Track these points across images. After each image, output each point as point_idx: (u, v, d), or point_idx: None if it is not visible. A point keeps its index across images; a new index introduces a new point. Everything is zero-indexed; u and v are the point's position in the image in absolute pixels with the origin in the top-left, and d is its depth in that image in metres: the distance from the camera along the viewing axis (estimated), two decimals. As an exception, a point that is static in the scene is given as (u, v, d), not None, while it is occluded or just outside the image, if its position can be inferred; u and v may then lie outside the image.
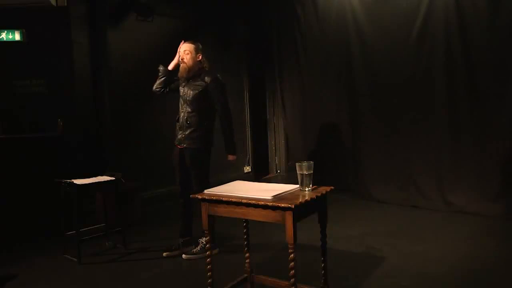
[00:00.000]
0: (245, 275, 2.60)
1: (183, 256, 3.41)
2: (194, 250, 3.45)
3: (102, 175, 3.70)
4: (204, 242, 3.43)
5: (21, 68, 4.53)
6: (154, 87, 3.64)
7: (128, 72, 5.11)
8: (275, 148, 6.82)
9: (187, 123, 3.43)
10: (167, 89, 3.65)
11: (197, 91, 3.41)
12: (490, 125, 4.17)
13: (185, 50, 3.46)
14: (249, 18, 6.63)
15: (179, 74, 3.49)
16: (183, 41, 3.56)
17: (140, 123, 5.23)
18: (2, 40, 4.43)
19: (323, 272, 2.38)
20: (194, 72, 3.46)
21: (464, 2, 4.24)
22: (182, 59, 3.46)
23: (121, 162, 4.82)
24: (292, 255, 2.02)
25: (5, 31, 4.43)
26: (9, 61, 4.48)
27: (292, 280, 2.05)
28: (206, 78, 3.43)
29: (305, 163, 2.17)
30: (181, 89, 3.54)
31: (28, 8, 4.42)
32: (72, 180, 3.41)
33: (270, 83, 6.75)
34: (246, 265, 2.62)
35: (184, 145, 3.45)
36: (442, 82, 4.44)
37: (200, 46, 3.53)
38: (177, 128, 3.52)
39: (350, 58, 5.24)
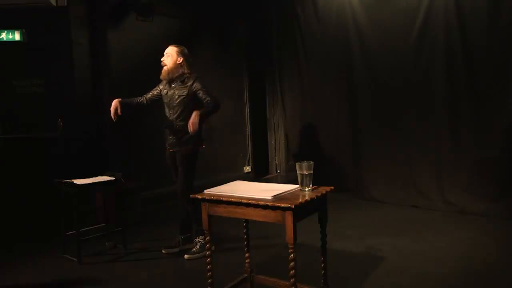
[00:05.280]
0: (245, 275, 2.60)
1: (185, 256, 3.43)
2: (194, 249, 3.47)
3: (102, 175, 3.70)
4: (201, 241, 3.48)
5: (21, 68, 4.52)
6: (139, 107, 3.71)
7: (128, 72, 5.11)
8: (275, 148, 6.82)
9: (176, 127, 3.46)
10: (148, 99, 3.67)
11: (182, 96, 3.44)
12: (490, 125, 4.17)
13: (166, 53, 3.50)
14: (249, 18, 6.63)
15: (161, 77, 3.53)
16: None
17: (140, 123, 5.22)
18: (2, 40, 4.42)
19: (323, 272, 2.38)
20: (175, 75, 3.46)
21: (464, 2, 4.24)
22: (162, 61, 3.49)
23: (121, 162, 4.82)
24: (292, 255, 2.02)
25: (5, 31, 4.42)
26: (9, 61, 4.47)
27: (292, 280, 2.05)
28: (189, 81, 3.44)
29: (305, 163, 2.17)
30: (164, 95, 3.55)
31: (28, 8, 4.42)
32: (72, 180, 3.41)
33: (270, 83, 6.75)
34: (246, 265, 2.62)
35: (177, 149, 3.50)
36: (442, 82, 4.44)
37: (185, 50, 3.52)
38: (167, 132, 3.55)
39: (350, 58, 5.24)
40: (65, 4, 4.47)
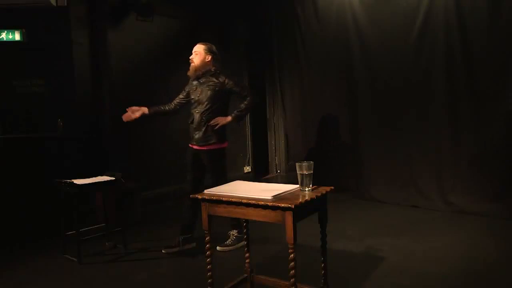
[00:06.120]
0: (245, 275, 2.60)
1: (217, 248, 3.50)
2: (227, 242, 3.57)
3: (102, 175, 3.70)
4: (235, 235, 3.59)
5: (21, 68, 4.52)
6: (167, 114, 3.78)
7: (128, 72, 5.11)
8: (275, 148, 6.82)
9: (202, 121, 3.48)
10: (176, 106, 3.71)
11: (212, 91, 3.49)
12: (490, 125, 4.16)
13: (195, 51, 3.55)
14: (249, 18, 6.63)
15: (188, 73, 3.58)
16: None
17: (140, 123, 5.22)
18: (2, 40, 4.42)
19: (323, 272, 2.38)
20: (202, 72, 3.52)
21: (464, 2, 4.23)
22: (191, 59, 3.55)
23: (121, 162, 4.82)
24: (292, 255, 2.02)
25: (5, 31, 4.42)
26: (9, 61, 4.47)
27: (292, 280, 2.05)
28: (220, 78, 3.51)
29: (305, 163, 2.17)
30: (193, 92, 3.58)
31: (28, 8, 4.42)
32: (72, 180, 3.41)
33: (270, 83, 6.75)
34: (246, 265, 2.62)
35: (202, 145, 3.50)
36: (442, 82, 4.44)
37: (213, 48, 3.58)
38: (192, 128, 3.56)
39: (350, 58, 5.24)
40: (65, 4, 4.47)
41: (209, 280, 2.36)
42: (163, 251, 3.55)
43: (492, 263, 3.04)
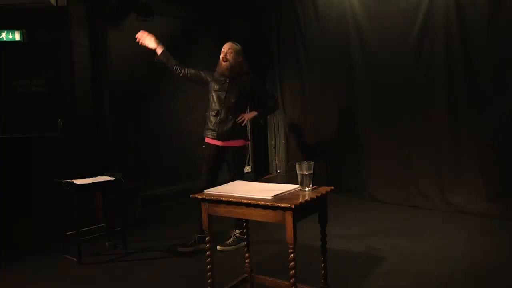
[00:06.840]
0: (245, 275, 2.60)
1: (218, 247, 3.49)
2: (228, 242, 3.56)
3: (102, 175, 3.70)
4: (237, 235, 3.57)
5: (21, 68, 4.52)
6: (172, 69, 3.69)
7: (128, 72, 5.11)
8: (275, 148, 6.82)
9: (230, 117, 3.51)
10: (185, 73, 3.66)
11: (243, 90, 3.56)
12: (490, 125, 4.17)
13: (229, 49, 3.54)
14: (249, 18, 6.62)
15: (220, 71, 3.56)
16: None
17: (140, 123, 5.23)
18: (2, 40, 4.42)
19: (323, 272, 2.38)
20: (235, 72, 3.54)
21: (464, 2, 4.24)
22: (225, 56, 3.52)
23: (121, 162, 4.82)
24: (292, 255, 2.02)
25: (5, 31, 4.42)
26: (9, 61, 4.47)
27: (292, 280, 2.05)
28: (249, 79, 3.60)
29: (305, 163, 2.17)
30: (220, 85, 3.55)
31: (28, 8, 4.42)
32: (72, 180, 3.41)
33: (270, 83, 6.74)
34: (246, 265, 2.62)
35: (228, 141, 3.52)
36: (442, 82, 4.44)
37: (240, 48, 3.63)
38: (216, 123, 3.53)
39: (350, 58, 5.24)
40: (65, 4, 4.48)
41: (209, 280, 2.36)
42: (179, 249, 3.52)
43: (492, 263, 3.04)
